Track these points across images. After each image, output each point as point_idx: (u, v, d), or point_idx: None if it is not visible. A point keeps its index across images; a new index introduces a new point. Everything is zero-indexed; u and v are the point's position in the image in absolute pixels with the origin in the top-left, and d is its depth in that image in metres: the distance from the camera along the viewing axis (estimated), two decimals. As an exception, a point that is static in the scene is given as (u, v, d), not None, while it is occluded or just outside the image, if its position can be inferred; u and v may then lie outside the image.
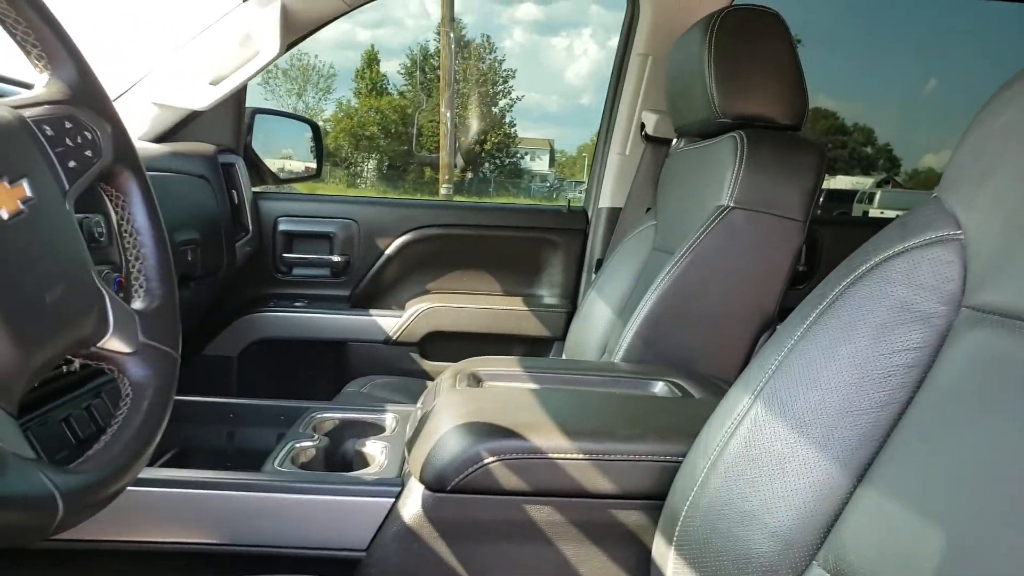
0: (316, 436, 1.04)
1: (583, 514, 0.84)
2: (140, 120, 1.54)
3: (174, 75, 1.56)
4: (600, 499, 0.84)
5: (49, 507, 0.46)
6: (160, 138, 1.58)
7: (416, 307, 1.87)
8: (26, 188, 0.53)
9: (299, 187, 2.35)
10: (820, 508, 0.61)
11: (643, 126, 1.77)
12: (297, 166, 2.28)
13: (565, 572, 0.85)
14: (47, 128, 0.58)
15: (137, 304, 0.65)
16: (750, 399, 0.68)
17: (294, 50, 1.62)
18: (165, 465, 1.11)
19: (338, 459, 1.07)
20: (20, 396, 0.50)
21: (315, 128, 2.17)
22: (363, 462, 1.02)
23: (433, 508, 0.83)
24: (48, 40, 0.60)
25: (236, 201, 1.70)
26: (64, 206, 0.57)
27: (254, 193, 1.81)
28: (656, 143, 1.76)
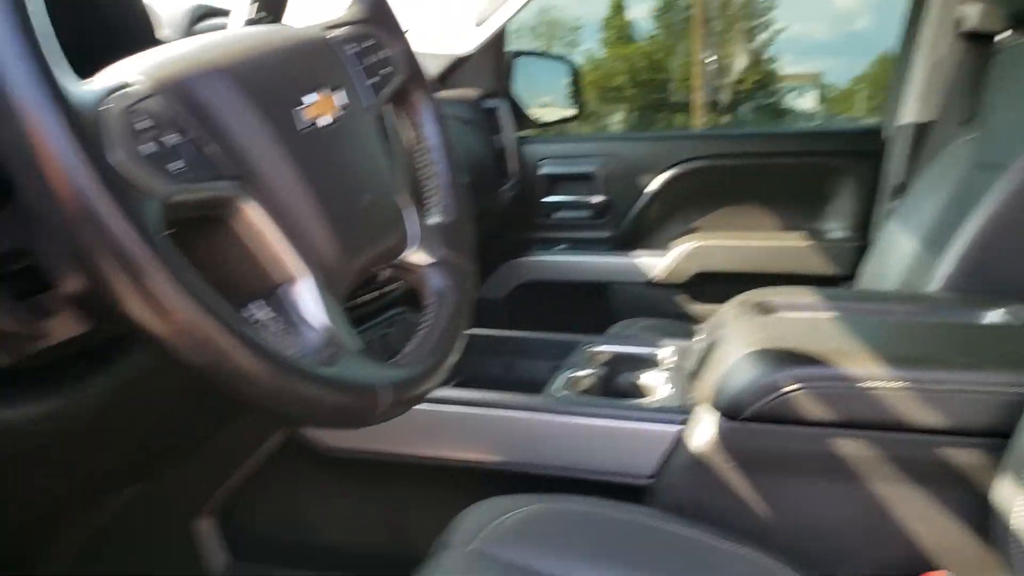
0: (592, 365, 1.05)
1: (903, 450, 0.75)
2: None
3: (437, 21, 1.64)
4: (925, 434, 0.74)
5: (374, 398, 0.50)
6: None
7: (682, 247, 1.82)
8: (338, 99, 0.57)
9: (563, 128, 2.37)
10: None
11: (958, 23, 1.52)
12: (557, 113, 2.31)
13: (876, 514, 0.77)
14: (351, 46, 0.63)
15: (434, 218, 0.68)
16: None
17: (541, 3, 1.63)
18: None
19: (614, 390, 1.07)
20: (344, 295, 0.55)
21: (574, 68, 2.18)
22: (640, 393, 1.01)
23: (726, 436, 0.80)
24: None
25: (500, 145, 1.77)
26: (369, 120, 0.62)
27: (517, 137, 1.87)
28: (976, 40, 1.50)
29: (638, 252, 1.87)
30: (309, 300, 0.49)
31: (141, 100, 0.43)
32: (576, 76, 2.11)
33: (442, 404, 0.93)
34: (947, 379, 0.73)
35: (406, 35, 0.70)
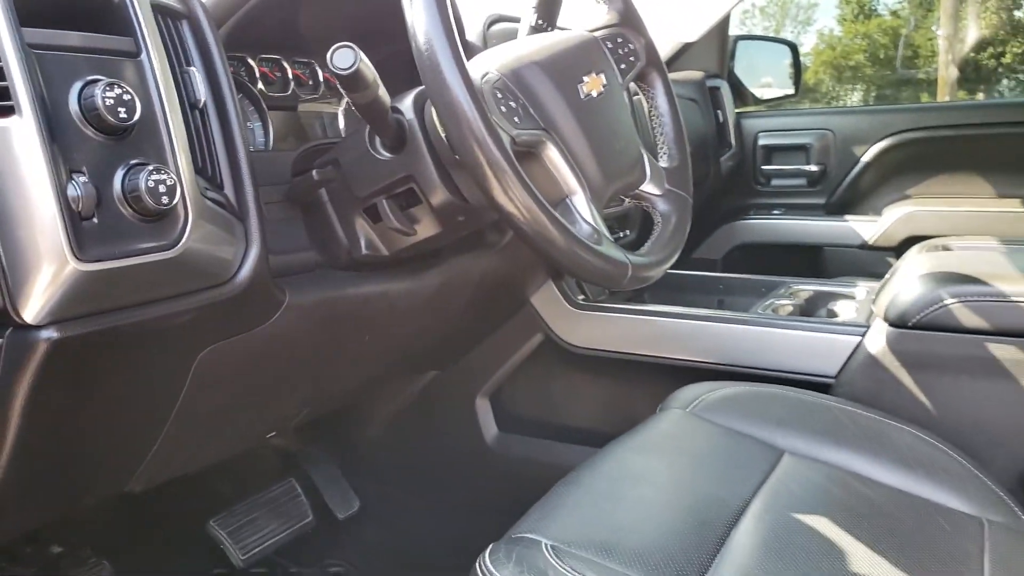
0: (794, 298, 1.25)
1: None
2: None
3: (667, 11, 1.87)
4: None
5: (624, 269, 0.77)
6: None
7: (895, 212, 1.90)
8: (603, 79, 0.84)
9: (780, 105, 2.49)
10: None
11: None
12: (775, 92, 2.43)
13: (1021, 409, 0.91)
14: (608, 43, 0.90)
15: (663, 163, 0.94)
16: None
17: None
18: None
19: (809, 314, 1.26)
20: (603, 208, 0.82)
21: (794, 49, 2.30)
22: (831, 315, 1.19)
23: (895, 342, 0.97)
24: None
25: (721, 120, 1.96)
26: (622, 93, 0.88)
27: (737, 113, 2.05)
28: None
29: (851, 217, 1.97)
30: (582, 206, 0.77)
31: (496, 81, 0.73)
32: (795, 57, 2.23)
33: (664, 317, 1.18)
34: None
35: (647, 31, 0.96)
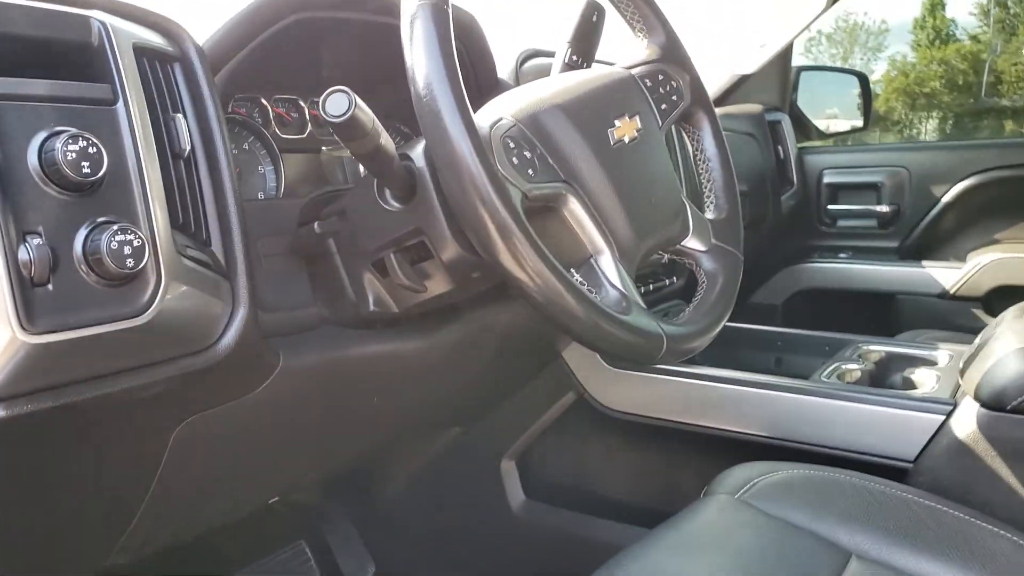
0: (863, 362, 1.11)
1: None
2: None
3: (723, 42, 1.76)
4: None
5: (657, 342, 0.66)
6: (715, 102, 1.80)
7: (981, 258, 1.73)
8: (638, 122, 0.74)
9: (846, 140, 2.35)
10: None
11: None
12: (842, 125, 2.29)
13: None
14: (647, 80, 0.80)
15: (709, 214, 0.83)
16: None
17: (839, 12, 1.67)
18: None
19: (882, 383, 1.12)
20: (635, 269, 0.71)
21: (863, 79, 2.17)
22: (909, 387, 1.05)
23: (988, 426, 0.83)
24: (648, 17, 0.82)
25: (781, 156, 1.83)
26: (661, 138, 0.78)
27: (799, 148, 1.92)
28: None
29: (929, 263, 1.81)
30: (609, 268, 0.67)
31: (509, 129, 0.64)
32: (865, 88, 2.09)
33: (713, 381, 1.06)
34: None
35: (693, 66, 0.86)
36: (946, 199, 1.78)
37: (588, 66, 0.92)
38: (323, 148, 0.97)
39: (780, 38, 1.75)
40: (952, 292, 1.75)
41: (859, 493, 0.85)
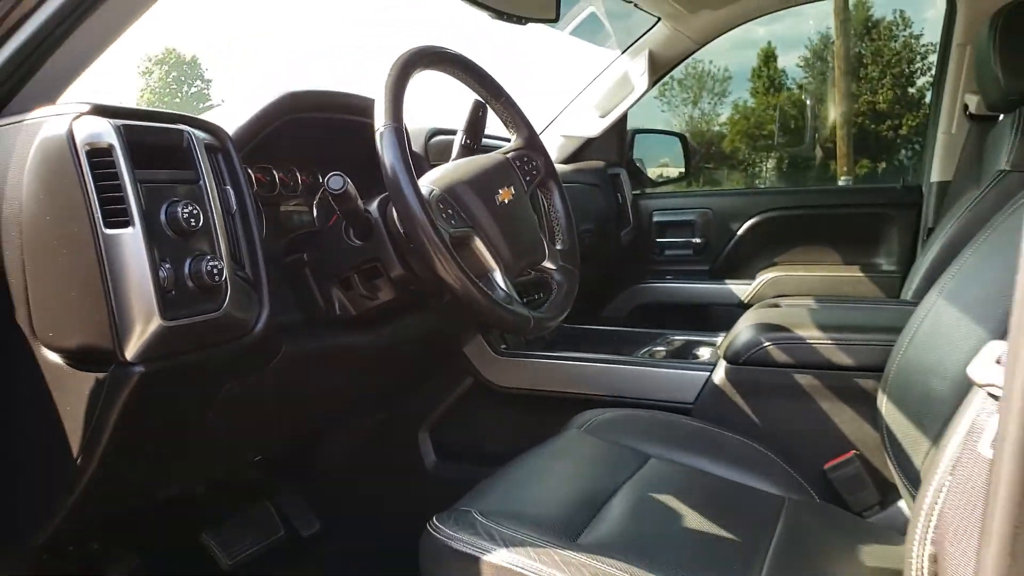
0: (668, 345, 1.62)
1: (833, 382, 1.27)
2: (554, 148, 2.30)
3: (574, 115, 2.29)
4: (845, 371, 1.26)
5: (528, 322, 1.12)
6: (567, 160, 2.32)
7: (765, 276, 2.33)
8: (512, 190, 1.21)
9: (670, 187, 2.94)
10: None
11: (967, 107, 1.98)
12: (672, 172, 2.88)
13: (821, 422, 1.29)
14: (517, 161, 1.27)
15: (558, 245, 1.30)
16: (935, 296, 1.06)
17: (688, 61, 2.20)
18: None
19: (679, 358, 1.63)
20: (514, 279, 1.17)
21: (683, 139, 2.76)
22: (695, 358, 1.57)
23: (732, 375, 1.35)
24: (516, 120, 1.30)
25: (620, 201, 2.37)
26: (527, 199, 1.25)
27: (635, 195, 2.46)
28: (981, 120, 1.95)
29: (730, 281, 2.39)
30: (499, 278, 1.12)
31: (438, 196, 1.09)
32: (684, 146, 2.69)
33: (571, 361, 1.54)
34: (857, 339, 1.25)
35: (546, 151, 1.34)
36: (740, 233, 2.37)
37: (478, 146, 1.38)
38: (281, 204, 1.36)
39: (616, 111, 2.30)
40: (746, 301, 2.32)
41: (659, 422, 1.33)
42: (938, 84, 2.10)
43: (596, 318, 2.51)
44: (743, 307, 2.33)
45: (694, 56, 2.26)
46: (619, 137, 2.48)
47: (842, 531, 1.13)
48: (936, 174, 2.08)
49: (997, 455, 0.48)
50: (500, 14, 1.51)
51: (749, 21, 2.20)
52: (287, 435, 1.40)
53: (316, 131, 1.31)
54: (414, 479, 1.64)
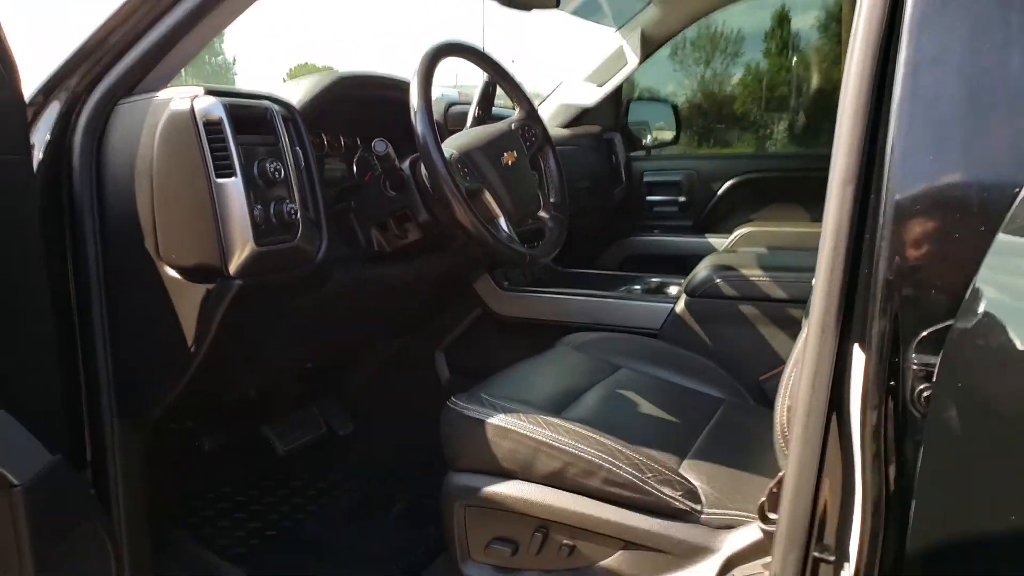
0: (645, 285, 1.96)
1: (769, 310, 1.61)
2: (555, 115, 2.61)
3: (574, 85, 2.59)
4: (777, 302, 1.60)
5: (524, 257, 1.46)
6: (567, 124, 2.63)
7: (741, 231, 2.64)
8: (515, 154, 1.53)
9: (663, 150, 3.23)
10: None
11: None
12: (668, 134, 3.18)
13: (758, 342, 1.63)
14: (519, 130, 1.59)
15: (552, 199, 1.63)
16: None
17: (701, 21, 2.46)
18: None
19: (654, 294, 1.97)
20: (515, 225, 1.50)
21: (674, 107, 3.06)
22: (668, 293, 1.91)
23: (690, 305, 1.69)
24: (520, 97, 1.62)
25: (614, 163, 2.68)
26: (527, 161, 1.57)
27: (628, 156, 2.78)
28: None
29: (710, 235, 2.71)
30: (503, 223, 1.45)
31: (457, 158, 1.41)
32: (676, 113, 2.98)
33: (565, 295, 1.88)
34: (789, 277, 1.58)
35: (543, 122, 1.66)
36: (720, 192, 2.68)
37: (489, 116, 1.70)
38: (325, 162, 1.68)
39: (611, 83, 2.60)
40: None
41: (630, 343, 1.68)
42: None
43: (591, 266, 2.84)
44: (720, 258, 2.66)
45: (708, 17, 2.51)
46: (615, 105, 2.78)
47: (762, 425, 1.47)
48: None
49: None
50: (508, 2, 1.83)
51: (729, 4, 2.48)
52: (333, 347, 1.75)
53: (355, 104, 1.63)
54: (431, 391, 2.00)
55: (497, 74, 1.61)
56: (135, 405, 1.36)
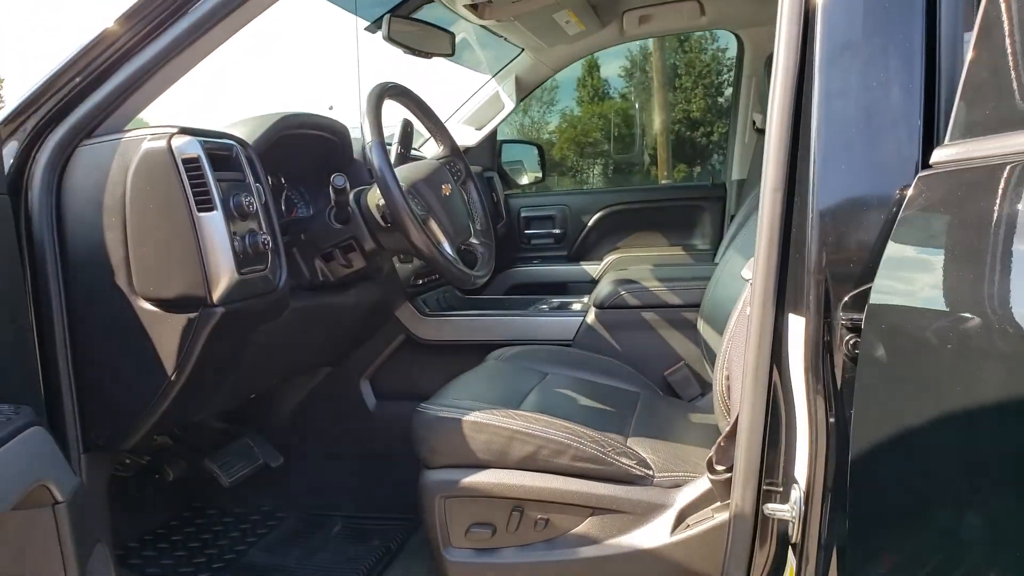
0: (548, 304, 2.19)
1: (668, 315, 1.89)
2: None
3: (455, 128, 2.82)
4: (674, 307, 1.88)
5: (468, 276, 1.63)
6: (453, 166, 2.83)
7: (610, 257, 2.96)
8: (450, 186, 1.71)
9: (533, 188, 3.52)
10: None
11: (754, 122, 2.71)
12: (530, 179, 3.47)
13: (660, 343, 1.90)
14: (448, 166, 1.78)
15: (478, 226, 1.82)
16: (730, 254, 1.68)
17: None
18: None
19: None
20: (456, 248, 1.67)
21: (539, 148, 3.36)
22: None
23: (599, 316, 1.94)
24: (444, 136, 1.80)
25: (495, 200, 2.92)
26: (458, 193, 1.76)
27: (506, 194, 3.02)
28: (763, 133, 2.69)
29: (584, 263, 3.01)
30: (447, 247, 1.62)
31: (406, 188, 1.57)
32: (541, 154, 3.29)
33: (477, 318, 2.06)
34: (683, 285, 1.87)
35: (464, 158, 1.85)
36: (590, 224, 3.00)
37: (408, 152, 1.86)
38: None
39: (489, 125, 2.85)
40: (596, 277, 2.94)
41: (550, 352, 1.89)
42: (735, 104, 2.83)
43: (481, 295, 3.04)
44: (594, 283, 2.96)
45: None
46: (491, 146, 3.03)
47: (676, 409, 1.73)
48: (735, 173, 2.80)
49: (753, 307, 1.07)
50: (412, 50, 2.03)
51: (597, 51, 2.82)
52: (275, 375, 1.81)
53: (284, 143, 1.73)
54: (358, 418, 2.09)
55: (426, 115, 1.79)
56: (104, 439, 1.38)
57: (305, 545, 1.87)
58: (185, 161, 1.29)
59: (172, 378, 1.34)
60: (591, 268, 2.98)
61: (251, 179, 1.41)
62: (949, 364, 0.74)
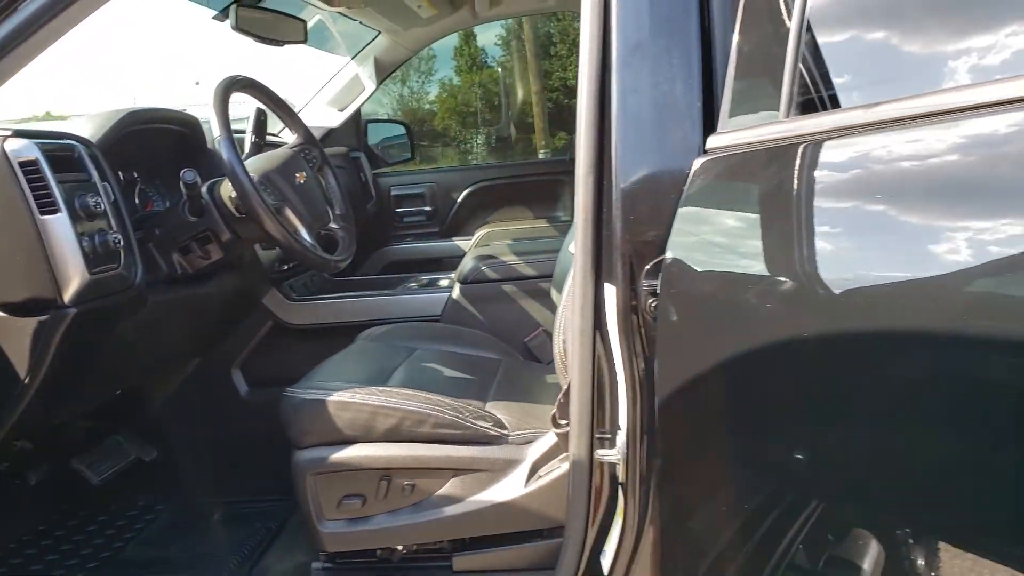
0: (417, 282, 2.29)
1: (525, 286, 2.03)
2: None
3: (318, 110, 2.85)
4: (530, 279, 2.02)
5: (328, 262, 1.71)
6: (318, 149, 2.87)
7: (480, 232, 3.08)
8: (304, 174, 1.77)
9: (402, 166, 3.58)
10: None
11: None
12: (400, 157, 3.52)
13: (520, 312, 2.04)
14: (302, 153, 1.83)
15: (336, 211, 1.89)
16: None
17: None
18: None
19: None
20: (314, 235, 1.74)
21: (407, 127, 3.42)
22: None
23: (463, 291, 2.06)
24: (296, 125, 1.86)
25: (363, 180, 2.97)
26: (314, 178, 1.82)
27: (375, 173, 3.08)
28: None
29: (456, 238, 3.12)
30: (305, 233, 1.69)
31: (258, 179, 1.63)
32: (409, 132, 3.35)
33: (344, 300, 2.13)
34: (538, 258, 2.01)
35: (319, 143, 1.91)
36: (459, 200, 3.10)
37: (263, 141, 1.91)
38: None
39: (351, 106, 2.90)
40: (469, 252, 3.06)
41: (418, 329, 2.00)
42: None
43: (355, 275, 3.10)
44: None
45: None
46: (356, 126, 3.08)
47: (534, 372, 1.88)
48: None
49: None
50: (263, 39, 2.07)
51: (454, 32, 2.90)
52: (141, 371, 1.84)
53: (132, 138, 1.75)
54: (231, 406, 2.14)
55: (276, 105, 1.83)
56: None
57: (186, 535, 1.92)
58: (22, 164, 1.31)
59: (25, 382, 1.36)
60: (463, 243, 3.09)
61: (97, 178, 1.44)
62: (728, 315, 0.90)
